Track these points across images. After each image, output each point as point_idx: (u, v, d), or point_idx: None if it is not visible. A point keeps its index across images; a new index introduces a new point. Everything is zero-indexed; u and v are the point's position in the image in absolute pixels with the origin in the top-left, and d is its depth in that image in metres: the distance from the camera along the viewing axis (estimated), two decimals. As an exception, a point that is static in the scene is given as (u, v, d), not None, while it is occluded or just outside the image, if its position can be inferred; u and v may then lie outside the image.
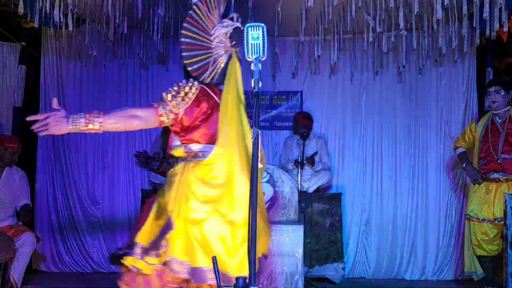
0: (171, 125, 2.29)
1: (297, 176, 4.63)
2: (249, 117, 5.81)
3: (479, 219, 3.93)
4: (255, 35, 2.02)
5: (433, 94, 5.18)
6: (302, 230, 4.07)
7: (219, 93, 2.39)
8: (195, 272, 2.10)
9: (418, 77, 5.20)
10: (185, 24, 2.39)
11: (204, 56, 2.43)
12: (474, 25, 4.02)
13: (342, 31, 4.89)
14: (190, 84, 2.33)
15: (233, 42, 2.55)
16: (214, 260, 1.79)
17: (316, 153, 5.03)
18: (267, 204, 4.42)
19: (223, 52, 2.52)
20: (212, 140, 2.26)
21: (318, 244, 4.59)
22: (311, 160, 4.95)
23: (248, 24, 2.04)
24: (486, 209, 3.88)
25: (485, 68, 4.97)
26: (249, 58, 2.05)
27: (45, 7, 3.99)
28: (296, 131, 5.16)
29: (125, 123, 2.20)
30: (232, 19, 2.53)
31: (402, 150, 5.20)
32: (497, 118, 3.98)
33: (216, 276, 1.78)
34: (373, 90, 5.34)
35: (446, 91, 5.14)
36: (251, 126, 2.03)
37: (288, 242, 4.02)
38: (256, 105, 1.95)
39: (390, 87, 5.31)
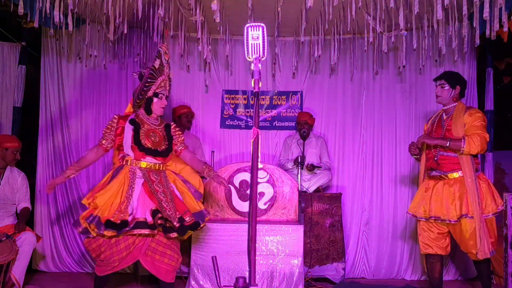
0: None
1: (297, 176, 4.63)
2: (249, 117, 5.93)
3: (416, 217, 3.87)
4: (255, 35, 2.02)
5: (433, 94, 5.14)
6: (302, 230, 4.08)
7: None
8: None
9: (418, 77, 5.20)
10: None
11: None
12: (474, 25, 4.02)
13: (342, 31, 4.89)
14: None
15: None
16: (214, 260, 1.80)
17: (318, 167, 5.02)
18: (267, 205, 4.43)
19: None
20: None
21: (318, 244, 4.59)
22: (310, 168, 4.94)
23: (248, 24, 2.04)
24: (423, 207, 3.80)
25: (485, 68, 4.97)
26: (249, 58, 2.05)
27: (45, 7, 4.00)
28: (298, 130, 5.19)
29: None
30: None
31: (402, 150, 5.19)
32: (444, 115, 3.86)
33: (216, 276, 1.78)
34: (373, 90, 5.35)
35: (446, 91, 5.14)
36: (251, 126, 2.09)
37: (288, 242, 4.03)
38: (256, 105, 1.96)
39: (390, 87, 5.31)
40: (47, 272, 4.89)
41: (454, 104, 3.80)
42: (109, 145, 3.55)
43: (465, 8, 3.92)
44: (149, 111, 3.60)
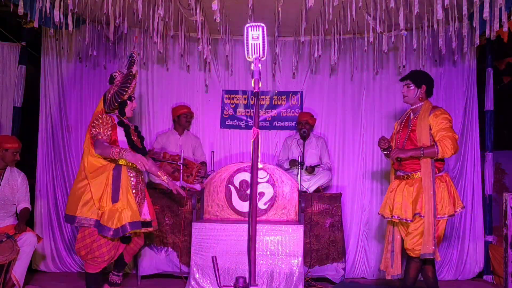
0: None
1: (297, 176, 4.63)
2: (249, 117, 6.01)
3: (383, 217, 3.85)
4: (255, 35, 2.02)
5: (433, 94, 5.16)
6: (302, 230, 4.07)
7: None
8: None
9: (418, 77, 5.19)
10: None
11: None
12: (474, 25, 4.02)
13: (342, 31, 4.89)
14: None
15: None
16: (214, 260, 1.80)
17: (318, 165, 5.03)
18: (267, 205, 4.42)
19: None
20: None
21: (318, 244, 4.58)
22: (310, 170, 4.94)
23: (248, 24, 2.04)
24: (388, 207, 3.78)
25: (485, 68, 4.97)
26: (249, 58, 2.05)
27: (45, 7, 4.00)
28: (298, 130, 5.20)
29: None
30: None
31: (402, 150, 5.19)
32: (412, 114, 3.81)
33: (216, 276, 1.78)
34: (373, 90, 5.35)
35: (446, 91, 5.14)
36: (251, 126, 2.11)
37: (288, 242, 4.03)
38: (256, 105, 1.96)
39: (390, 87, 5.31)
40: (47, 272, 4.89)
41: (421, 103, 3.77)
42: (108, 141, 3.65)
43: (465, 8, 3.92)
44: (123, 114, 3.81)
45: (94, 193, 3.58)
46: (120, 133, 3.71)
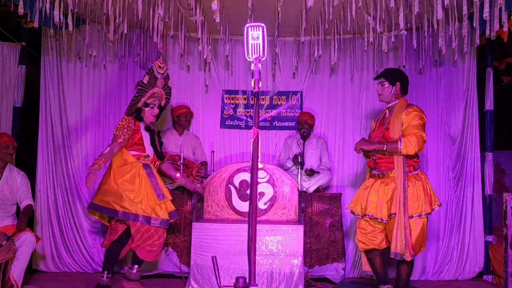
0: None
1: (297, 176, 4.63)
2: (249, 117, 6.04)
3: (353, 213, 3.85)
4: (255, 35, 2.03)
5: (433, 94, 5.17)
6: (302, 230, 4.07)
7: None
8: None
9: (418, 77, 5.19)
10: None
11: None
12: (474, 25, 4.02)
13: (342, 31, 4.89)
14: None
15: None
16: (214, 260, 1.80)
17: (317, 172, 5.01)
18: (267, 205, 4.42)
19: None
20: None
21: (318, 244, 4.58)
22: (309, 173, 4.93)
23: (248, 24, 2.05)
24: (360, 204, 3.78)
25: (485, 68, 4.97)
26: (249, 58, 2.06)
27: (45, 7, 4.00)
28: (298, 130, 5.19)
29: None
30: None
31: (402, 150, 5.18)
32: (388, 112, 3.80)
33: (216, 276, 1.78)
34: (373, 90, 5.32)
35: (446, 91, 5.14)
36: (251, 126, 2.14)
37: (288, 242, 4.03)
38: (256, 105, 1.97)
39: (390, 87, 5.30)
40: (47, 272, 4.89)
41: (397, 101, 3.76)
42: (124, 144, 3.90)
43: (465, 8, 3.92)
44: (140, 119, 4.01)
45: (136, 193, 3.82)
46: (146, 137, 3.98)
